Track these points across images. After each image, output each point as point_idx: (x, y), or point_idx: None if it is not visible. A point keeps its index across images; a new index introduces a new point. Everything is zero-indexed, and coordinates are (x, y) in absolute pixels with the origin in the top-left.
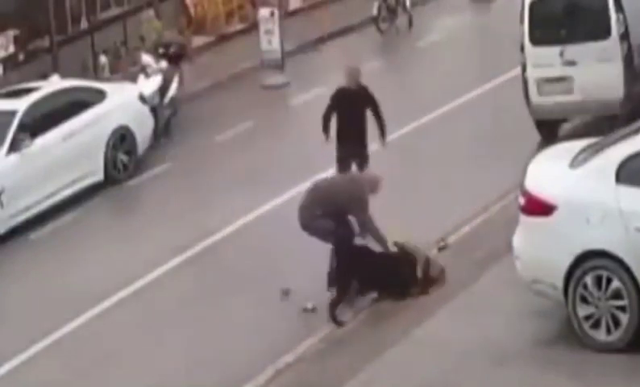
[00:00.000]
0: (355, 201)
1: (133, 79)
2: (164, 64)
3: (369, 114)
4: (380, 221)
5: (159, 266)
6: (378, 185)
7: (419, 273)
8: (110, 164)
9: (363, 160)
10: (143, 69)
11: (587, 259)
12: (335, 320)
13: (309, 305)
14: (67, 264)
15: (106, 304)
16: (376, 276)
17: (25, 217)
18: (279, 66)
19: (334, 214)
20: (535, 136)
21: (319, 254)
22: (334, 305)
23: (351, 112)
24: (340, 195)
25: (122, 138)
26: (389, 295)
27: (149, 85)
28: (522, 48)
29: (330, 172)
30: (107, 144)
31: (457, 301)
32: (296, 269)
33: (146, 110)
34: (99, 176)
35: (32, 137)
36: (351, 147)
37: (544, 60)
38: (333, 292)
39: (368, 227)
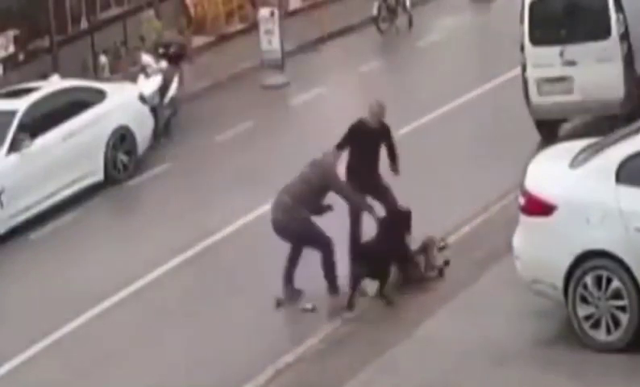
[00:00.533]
0: (330, 174)
1: (133, 79)
2: (164, 64)
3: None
4: None
5: (159, 266)
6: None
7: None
8: (110, 164)
9: (379, 192)
10: (143, 69)
11: (587, 259)
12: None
13: (309, 305)
14: (67, 264)
15: (106, 304)
16: (379, 264)
17: (25, 217)
18: (279, 66)
19: (317, 200)
20: (535, 136)
21: (319, 254)
22: (349, 302)
23: (366, 149)
24: (313, 177)
25: (122, 138)
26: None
27: (149, 85)
28: (522, 48)
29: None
30: (107, 144)
31: (457, 301)
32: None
33: (146, 110)
34: (99, 176)
35: (32, 137)
36: (361, 183)
37: (544, 60)
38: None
39: (352, 199)
